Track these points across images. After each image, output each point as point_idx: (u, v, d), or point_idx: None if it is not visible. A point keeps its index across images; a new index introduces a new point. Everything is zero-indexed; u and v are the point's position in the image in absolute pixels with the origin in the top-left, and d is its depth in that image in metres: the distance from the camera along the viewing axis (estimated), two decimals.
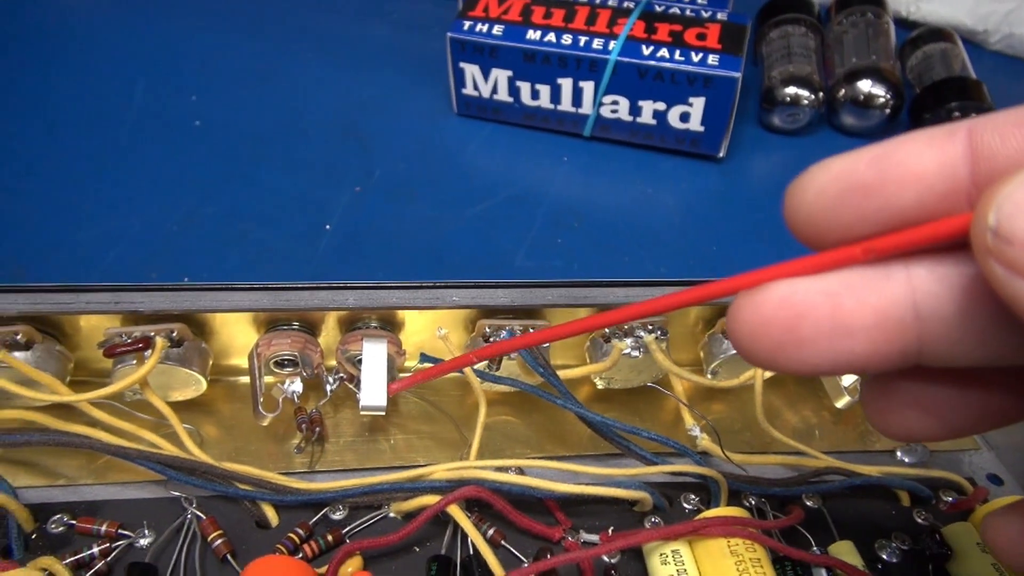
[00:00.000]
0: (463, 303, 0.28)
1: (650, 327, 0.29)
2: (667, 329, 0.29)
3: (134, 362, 0.27)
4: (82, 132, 0.48)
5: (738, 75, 0.43)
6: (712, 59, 0.43)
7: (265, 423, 0.29)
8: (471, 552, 0.24)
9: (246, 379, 0.32)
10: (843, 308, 0.14)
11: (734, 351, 0.30)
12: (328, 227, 0.44)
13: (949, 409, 0.16)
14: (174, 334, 0.27)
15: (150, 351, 0.26)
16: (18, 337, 0.26)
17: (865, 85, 0.49)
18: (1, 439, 0.26)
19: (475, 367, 0.28)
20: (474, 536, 0.24)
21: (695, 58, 0.43)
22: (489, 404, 0.30)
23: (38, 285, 0.27)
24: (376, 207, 0.45)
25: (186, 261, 0.42)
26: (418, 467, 0.26)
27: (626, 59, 0.44)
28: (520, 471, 0.27)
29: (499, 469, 0.26)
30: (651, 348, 0.29)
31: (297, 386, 0.29)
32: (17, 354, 0.26)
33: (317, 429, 0.29)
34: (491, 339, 0.29)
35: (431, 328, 0.30)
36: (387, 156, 0.49)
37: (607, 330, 0.30)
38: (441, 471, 0.26)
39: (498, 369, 0.29)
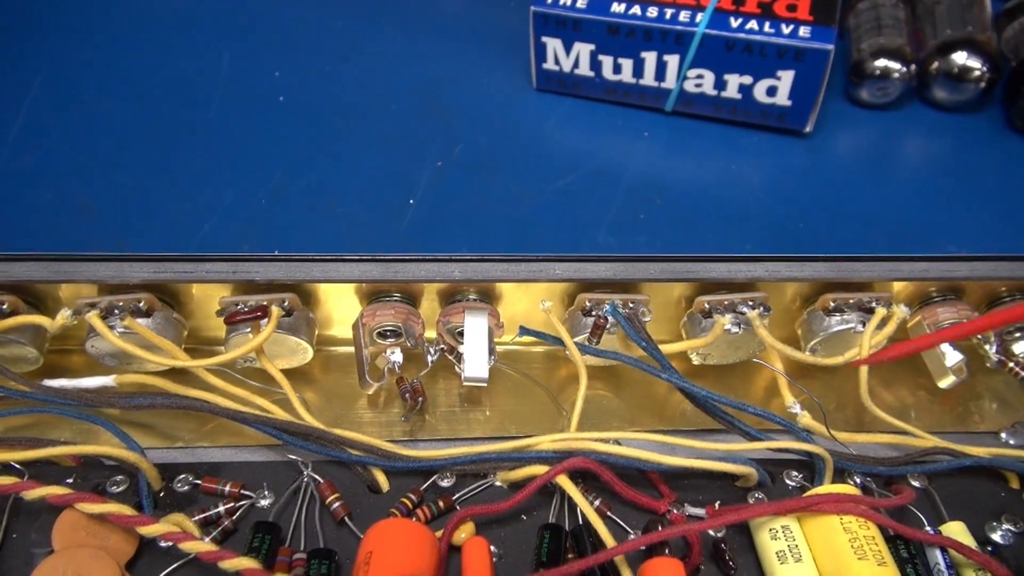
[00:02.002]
0: (566, 276, 0.28)
1: (751, 303, 0.29)
2: (770, 305, 0.29)
3: (248, 331, 0.28)
4: (171, 106, 0.49)
5: (831, 47, 0.41)
6: (803, 31, 0.42)
7: (370, 391, 0.29)
8: (580, 522, 0.25)
9: (343, 349, 0.32)
10: None
11: (836, 328, 0.30)
12: (412, 201, 0.45)
13: None
14: (285, 303, 0.28)
15: (266, 320, 0.27)
16: (140, 304, 0.27)
17: (960, 57, 0.47)
18: (127, 402, 0.27)
19: (576, 340, 0.28)
20: (584, 506, 0.24)
21: (785, 30, 0.42)
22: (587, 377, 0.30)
23: (161, 255, 0.28)
24: (458, 181, 0.45)
25: (277, 233, 0.43)
26: (521, 438, 0.27)
27: (713, 31, 0.43)
28: (617, 443, 0.27)
29: (600, 441, 0.26)
30: (754, 324, 0.28)
31: (398, 356, 0.30)
32: (140, 320, 0.27)
33: (420, 399, 0.29)
34: (593, 313, 0.29)
35: (528, 300, 0.30)
36: (467, 130, 0.49)
37: (706, 305, 0.29)
38: (547, 442, 0.26)
39: (598, 342, 0.29)
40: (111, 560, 0.22)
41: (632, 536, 0.25)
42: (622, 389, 0.32)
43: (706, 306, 0.29)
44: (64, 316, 0.27)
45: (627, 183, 0.45)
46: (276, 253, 0.28)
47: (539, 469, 0.26)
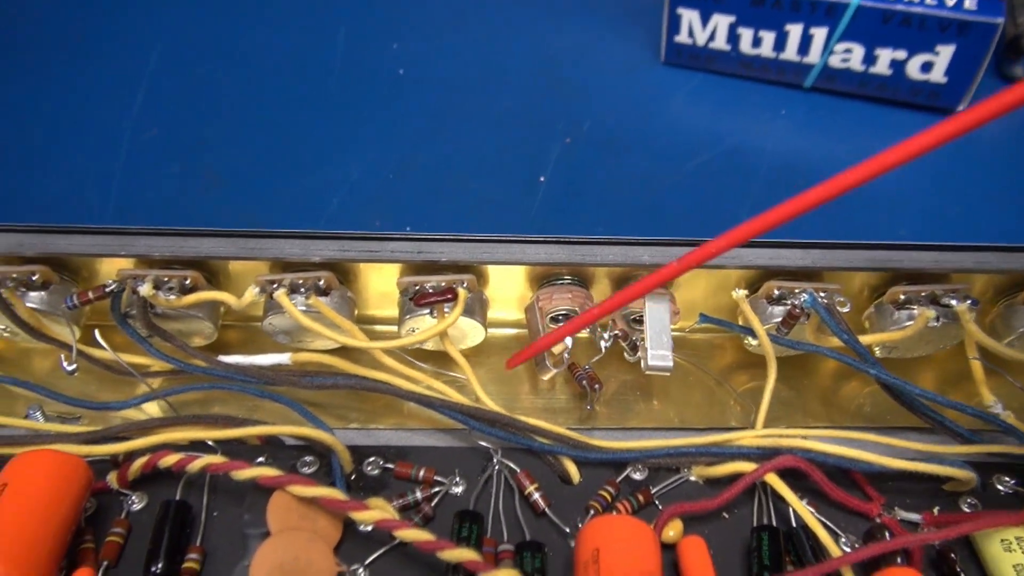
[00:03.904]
0: (758, 263, 0.27)
1: (954, 294, 0.27)
2: (977, 299, 0.27)
3: (427, 312, 0.27)
4: (290, 80, 0.48)
5: (1000, 20, 0.39)
6: (968, 2, 0.39)
7: (547, 377, 0.28)
8: (794, 524, 0.23)
9: (505, 331, 0.32)
10: None
11: None
12: (542, 179, 0.43)
13: None
14: (464, 284, 0.27)
15: (454, 302, 0.26)
16: (320, 283, 0.27)
17: None
18: (309, 380, 0.26)
19: (770, 333, 0.27)
20: (800, 509, 0.23)
21: (949, 1, 0.40)
22: (752, 367, 0.29)
23: (343, 233, 0.27)
24: (588, 159, 0.44)
25: (407, 209, 0.42)
26: (697, 430, 0.26)
27: (870, 3, 0.40)
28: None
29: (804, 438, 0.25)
30: (963, 319, 0.27)
31: (568, 341, 0.29)
32: (321, 299, 0.27)
33: (597, 386, 0.28)
34: (785, 301, 0.27)
35: (703, 286, 0.29)
36: (593, 106, 0.47)
37: (902, 296, 0.28)
38: (748, 437, 0.25)
39: (788, 333, 0.28)
40: (325, 545, 0.21)
41: (843, 540, 0.23)
42: (797, 381, 0.30)
43: (901, 297, 0.28)
44: (252, 293, 0.26)
45: (766, 163, 0.43)
46: (457, 234, 0.27)
47: (741, 466, 0.24)
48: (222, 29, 0.52)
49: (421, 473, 0.24)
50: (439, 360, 0.30)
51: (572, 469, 0.25)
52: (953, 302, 0.27)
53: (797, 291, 0.27)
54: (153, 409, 0.28)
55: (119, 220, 0.39)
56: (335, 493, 0.21)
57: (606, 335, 0.29)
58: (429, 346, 0.30)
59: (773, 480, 0.24)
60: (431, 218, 0.41)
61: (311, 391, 0.28)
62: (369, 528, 0.23)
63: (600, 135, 0.45)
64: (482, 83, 0.48)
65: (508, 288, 0.30)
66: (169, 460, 0.23)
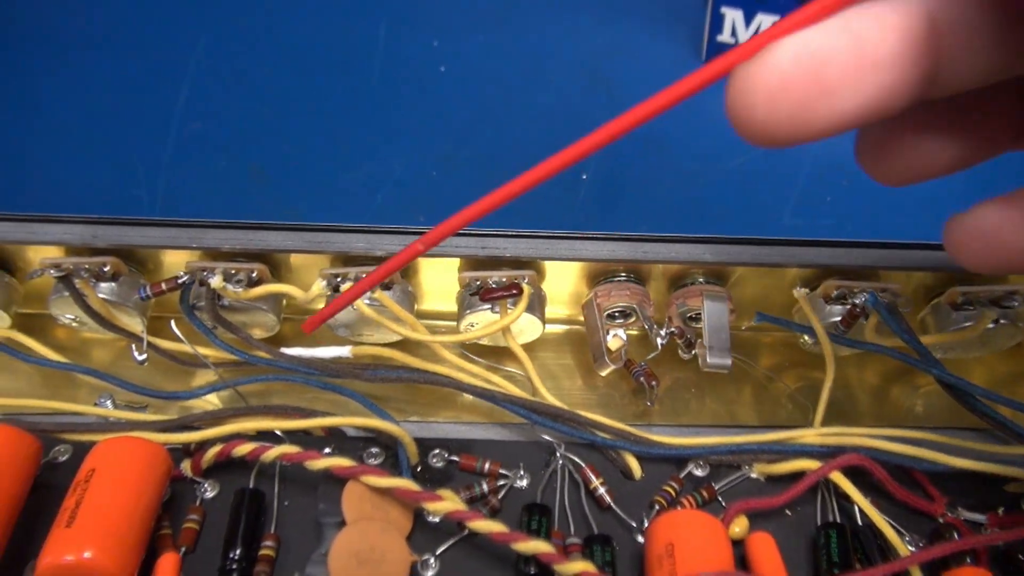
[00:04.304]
0: (819, 261, 0.27)
1: (1013, 296, 0.27)
2: None
3: (487, 308, 0.28)
4: (331, 76, 0.49)
5: None
6: None
7: (604, 373, 0.29)
8: (860, 522, 0.24)
9: (557, 328, 0.32)
10: (867, 39, 0.13)
11: None
12: (584, 176, 0.44)
13: (945, 140, 0.17)
14: (525, 280, 0.27)
15: (518, 297, 0.26)
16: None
17: None
18: (372, 373, 0.27)
19: (830, 333, 0.27)
20: (866, 508, 0.23)
21: None
22: (797, 366, 0.29)
23: (407, 228, 0.27)
24: (630, 157, 0.44)
25: (451, 205, 0.42)
26: (781, 429, 0.26)
27: None
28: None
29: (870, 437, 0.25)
30: None
31: (623, 335, 0.29)
32: (386, 293, 0.27)
33: (654, 382, 0.29)
34: (844, 301, 0.28)
35: (760, 285, 0.29)
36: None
37: (960, 297, 0.28)
38: (811, 435, 0.25)
39: (846, 332, 0.28)
40: (400, 535, 0.22)
41: (907, 539, 0.24)
42: (843, 379, 0.31)
43: (960, 298, 0.28)
44: (319, 287, 0.26)
45: (809, 162, 0.44)
46: (519, 230, 0.28)
47: (804, 463, 0.24)
48: (264, 27, 0.52)
49: (487, 466, 0.25)
50: (491, 355, 0.30)
51: (634, 464, 0.25)
52: (1015, 303, 0.27)
53: (856, 291, 0.27)
54: (214, 400, 0.29)
55: (167, 214, 0.40)
56: (410, 484, 0.22)
57: (663, 332, 0.29)
58: (485, 341, 0.30)
59: (838, 478, 0.24)
60: None
61: (368, 383, 0.28)
62: (437, 519, 0.23)
63: (642, 133, 0.45)
64: (523, 81, 0.49)
65: (561, 284, 0.30)
66: (243, 449, 0.23)
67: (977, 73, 0.15)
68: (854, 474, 0.25)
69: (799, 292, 0.28)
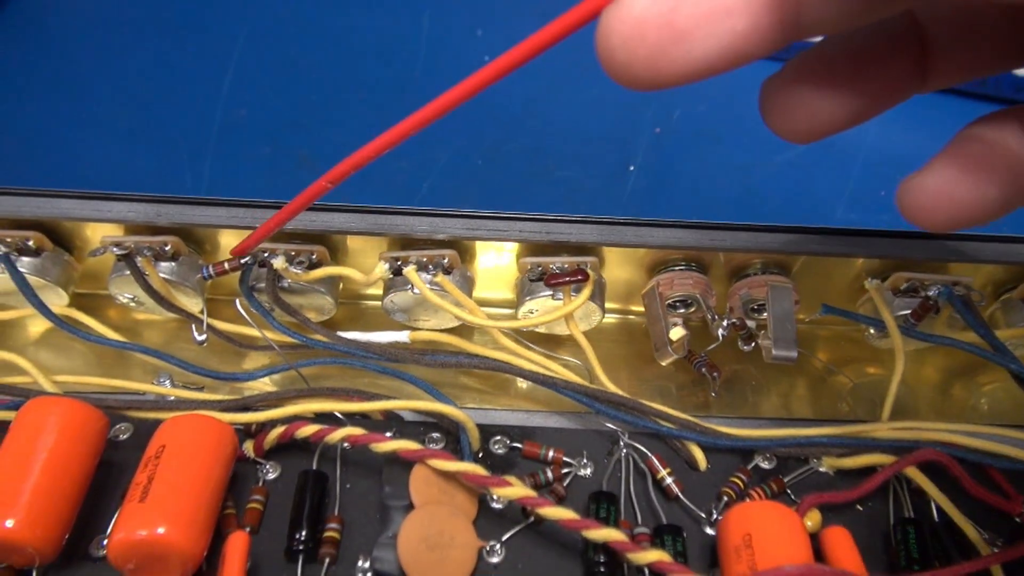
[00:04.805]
0: (891, 252, 0.26)
1: None
2: None
3: (547, 294, 0.27)
4: (375, 64, 0.49)
5: None
6: None
7: (665, 363, 0.28)
8: (936, 519, 0.23)
9: (610, 317, 0.31)
10: None
11: None
12: (632, 168, 0.43)
13: (846, 90, 0.17)
14: (588, 266, 0.27)
15: (583, 283, 0.26)
16: (445, 261, 0.27)
17: None
18: (432, 359, 0.26)
19: (900, 326, 0.26)
20: (944, 504, 0.22)
21: None
22: (852, 362, 0.28)
23: (470, 212, 0.27)
24: (679, 149, 0.44)
25: (498, 195, 0.42)
26: (850, 423, 0.25)
27: None
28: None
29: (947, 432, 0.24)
30: None
31: (682, 327, 0.29)
32: (447, 277, 0.27)
33: (715, 373, 0.28)
34: (915, 293, 0.27)
35: (821, 275, 0.29)
36: (682, 95, 0.47)
37: None
38: (884, 429, 0.24)
39: (917, 325, 0.27)
40: (467, 519, 0.21)
41: (985, 536, 0.23)
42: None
43: None
44: (382, 270, 0.26)
45: (864, 156, 0.43)
46: (583, 216, 0.27)
47: (877, 458, 0.24)
48: (308, 15, 0.52)
49: (550, 453, 0.24)
50: (544, 343, 0.29)
51: (699, 455, 0.25)
52: None
53: (928, 284, 0.27)
54: (267, 382, 0.28)
55: None
56: (478, 468, 0.21)
57: (724, 323, 0.29)
58: (541, 329, 0.30)
59: (914, 473, 0.23)
60: (520, 205, 0.41)
61: (424, 368, 0.28)
62: (500, 506, 0.23)
63: (690, 125, 0.45)
64: (569, 70, 0.48)
65: (618, 272, 0.29)
66: (307, 431, 0.23)
67: (842, 15, 0.14)
68: (927, 470, 0.24)
69: (871, 284, 0.27)
